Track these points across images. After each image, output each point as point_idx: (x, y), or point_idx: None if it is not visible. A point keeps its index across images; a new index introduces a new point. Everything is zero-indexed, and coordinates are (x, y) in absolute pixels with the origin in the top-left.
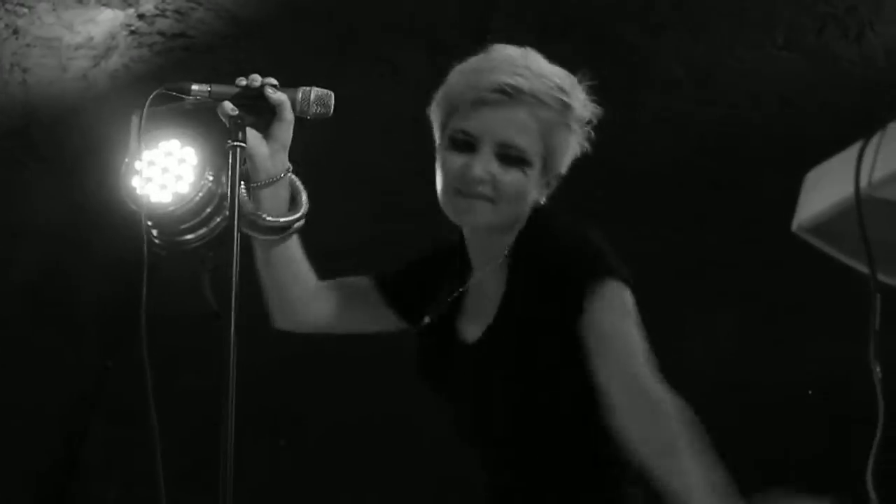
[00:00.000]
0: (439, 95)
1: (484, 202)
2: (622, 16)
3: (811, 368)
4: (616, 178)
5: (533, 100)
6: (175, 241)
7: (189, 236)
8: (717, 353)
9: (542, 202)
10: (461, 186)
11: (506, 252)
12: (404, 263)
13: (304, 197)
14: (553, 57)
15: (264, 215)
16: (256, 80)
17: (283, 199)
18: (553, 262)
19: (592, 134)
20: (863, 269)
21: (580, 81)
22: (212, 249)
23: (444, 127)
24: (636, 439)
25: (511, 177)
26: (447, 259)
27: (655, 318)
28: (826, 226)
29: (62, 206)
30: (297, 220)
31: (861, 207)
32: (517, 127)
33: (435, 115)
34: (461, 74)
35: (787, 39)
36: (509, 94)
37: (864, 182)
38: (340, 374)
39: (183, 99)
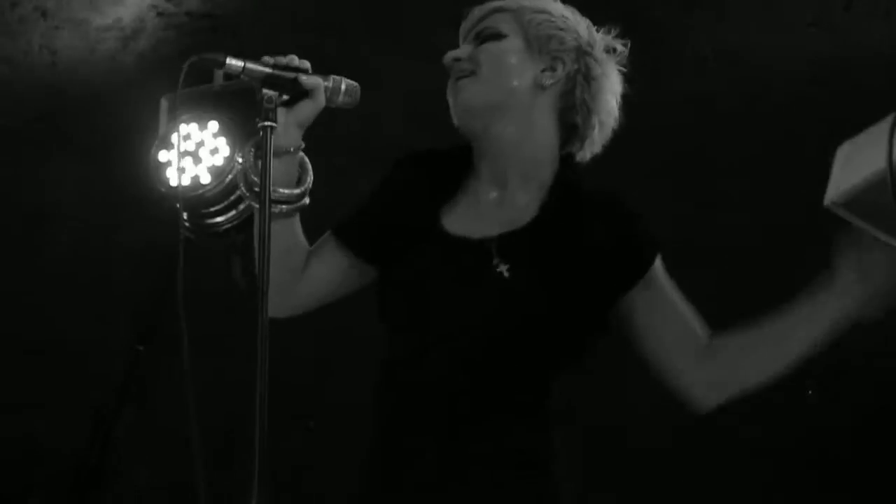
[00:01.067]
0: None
1: (466, 78)
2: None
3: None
4: (644, 157)
5: (515, 2)
6: (204, 224)
7: (219, 219)
8: None
9: (545, 84)
10: (449, 82)
11: (546, 181)
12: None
13: (309, 177)
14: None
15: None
16: (293, 61)
17: (290, 174)
18: (627, 214)
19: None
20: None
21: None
22: (241, 231)
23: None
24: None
25: (486, 47)
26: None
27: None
28: (858, 200)
29: (91, 189)
30: (299, 195)
31: (894, 181)
32: (489, 14)
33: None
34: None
35: (815, 17)
36: (485, 14)
37: None
38: (369, 356)
39: (212, 79)
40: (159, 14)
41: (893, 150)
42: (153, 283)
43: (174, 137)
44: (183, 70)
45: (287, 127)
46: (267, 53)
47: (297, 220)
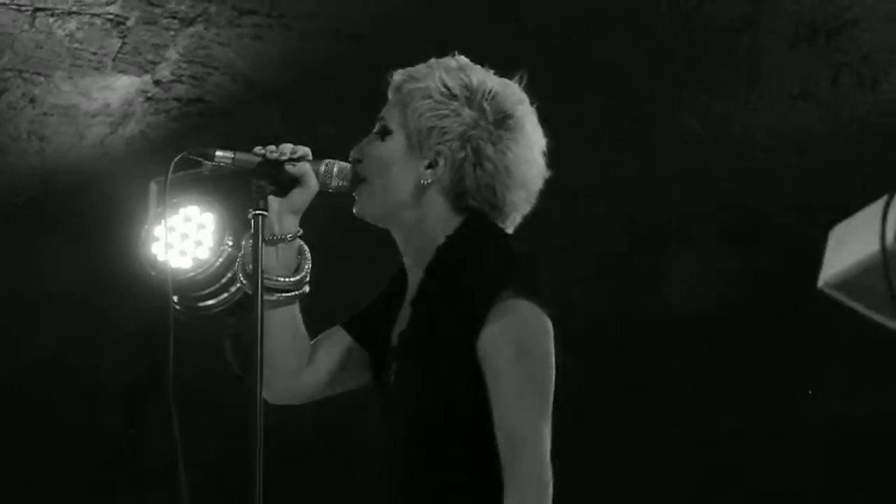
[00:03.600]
0: None
1: (360, 185)
2: (637, 73)
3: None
4: (632, 232)
5: (408, 86)
6: (196, 307)
7: (210, 301)
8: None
9: (425, 182)
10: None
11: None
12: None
13: (307, 265)
14: (570, 112)
15: (263, 273)
16: (284, 152)
17: (288, 262)
18: (468, 268)
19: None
20: (891, 324)
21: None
22: (233, 314)
23: None
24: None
25: (373, 150)
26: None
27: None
28: (852, 283)
29: (80, 275)
30: (297, 282)
31: (888, 263)
32: (394, 90)
33: None
34: None
35: (801, 89)
36: (395, 89)
37: (889, 237)
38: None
39: (201, 164)
40: (148, 99)
41: (886, 232)
42: (144, 366)
43: (164, 222)
44: (171, 164)
45: (281, 215)
46: (257, 138)
47: (296, 307)
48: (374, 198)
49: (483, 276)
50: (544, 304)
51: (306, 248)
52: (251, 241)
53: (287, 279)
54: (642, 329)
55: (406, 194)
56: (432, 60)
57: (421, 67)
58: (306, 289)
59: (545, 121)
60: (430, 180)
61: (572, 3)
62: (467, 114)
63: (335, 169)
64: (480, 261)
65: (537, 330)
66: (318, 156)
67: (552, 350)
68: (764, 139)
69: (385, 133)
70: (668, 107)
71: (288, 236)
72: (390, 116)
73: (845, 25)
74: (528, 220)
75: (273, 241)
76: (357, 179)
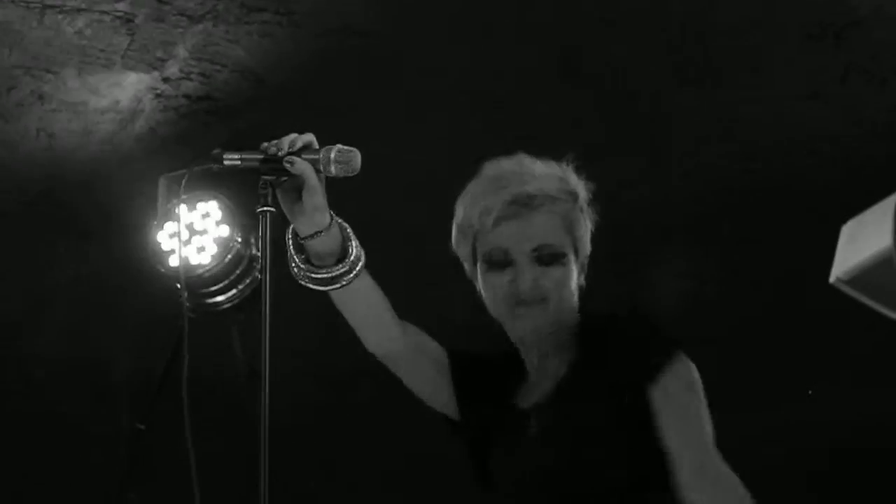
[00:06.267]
0: (456, 230)
1: (537, 306)
2: (646, 73)
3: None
4: (647, 232)
5: (546, 199)
6: (204, 304)
7: (219, 298)
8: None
9: (582, 283)
10: (513, 302)
11: (570, 333)
12: (476, 353)
13: (353, 245)
14: (579, 114)
15: (311, 269)
16: (282, 147)
17: (333, 249)
18: (629, 335)
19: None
20: None
21: (569, 164)
22: (242, 311)
23: (474, 252)
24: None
25: (553, 274)
26: (502, 363)
27: None
28: (864, 278)
29: (89, 272)
30: (345, 271)
31: None
32: (543, 229)
33: (460, 245)
34: (473, 202)
35: (810, 89)
36: (525, 203)
37: None
38: (371, 421)
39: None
40: (157, 96)
41: None
42: (152, 362)
43: (174, 218)
44: (183, 179)
45: (306, 214)
46: (266, 135)
47: (362, 280)
48: (558, 312)
49: (648, 334)
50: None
51: (345, 225)
52: (291, 238)
53: (341, 266)
54: None
55: (574, 300)
56: (555, 170)
57: (557, 179)
58: (363, 261)
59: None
60: (583, 281)
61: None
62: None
63: (332, 155)
64: (638, 324)
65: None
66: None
67: None
68: (773, 138)
69: (561, 259)
70: (676, 107)
71: (322, 231)
72: (559, 241)
73: (853, 24)
74: None
75: (312, 237)
76: (530, 304)
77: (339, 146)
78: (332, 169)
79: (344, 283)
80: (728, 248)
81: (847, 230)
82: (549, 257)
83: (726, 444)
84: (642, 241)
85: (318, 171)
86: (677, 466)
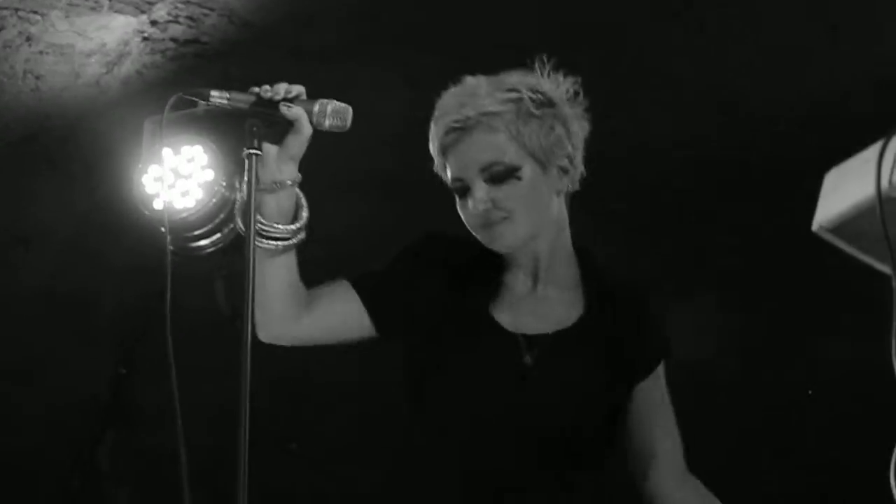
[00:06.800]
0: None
1: (500, 224)
2: (642, 37)
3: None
4: (636, 189)
5: (483, 117)
6: (188, 247)
7: (203, 242)
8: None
9: (571, 189)
10: (477, 224)
11: (569, 266)
12: (385, 267)
13: (304, 213)
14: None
15: (262, 220)
16: (279, 92)
17: (286, 209)
18: (651, 315)
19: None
20: (884, 268)
21: (545, 65)
22: (225, 255)
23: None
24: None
25: (507, 189)
26: (455, 269)
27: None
28: (847, 226)
29: (74, 214)
30: (294, 232)
31: (883, 206)
32: (483, 147)
33: (440, 172)
34: (430, 140)
35: (801, 46)
36: (461, 128)
37: (885, 181)
38: (354, 378)
39: (196, 105)
40: (144, 39)
41: (882, 175)
42: (137, 305)
43: (159, 161)
44: (167, 105)
45: (280, 162)
46: (253, 80)
47: (293, 255)
48: (526, 223)
49: (661, 335)
50: None
51: (303, 196)
52: (240, 192)
53: (286, 227)
54: None
55: (552, 211)
56: (508, 80)
57: (503, 90)
58: (303, 236)
59: None
60: (573, 187)
61: None
62: (564, 116)
63: (329, 109)
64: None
65: None
66: (316, 98)
67: None
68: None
69: (513, 172)
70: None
71: (288, 182)
72: (503, 153)
73: None
74: None
75: (273, 189)
76: (492, 223)
77: (334, 102)
78: (326, 122)
79: (296, 241)
80: (716, 204)
81: (830, 179)
82: (500, 174)
83: None
84: (631, 196)
85: None
86: (663, 463)
